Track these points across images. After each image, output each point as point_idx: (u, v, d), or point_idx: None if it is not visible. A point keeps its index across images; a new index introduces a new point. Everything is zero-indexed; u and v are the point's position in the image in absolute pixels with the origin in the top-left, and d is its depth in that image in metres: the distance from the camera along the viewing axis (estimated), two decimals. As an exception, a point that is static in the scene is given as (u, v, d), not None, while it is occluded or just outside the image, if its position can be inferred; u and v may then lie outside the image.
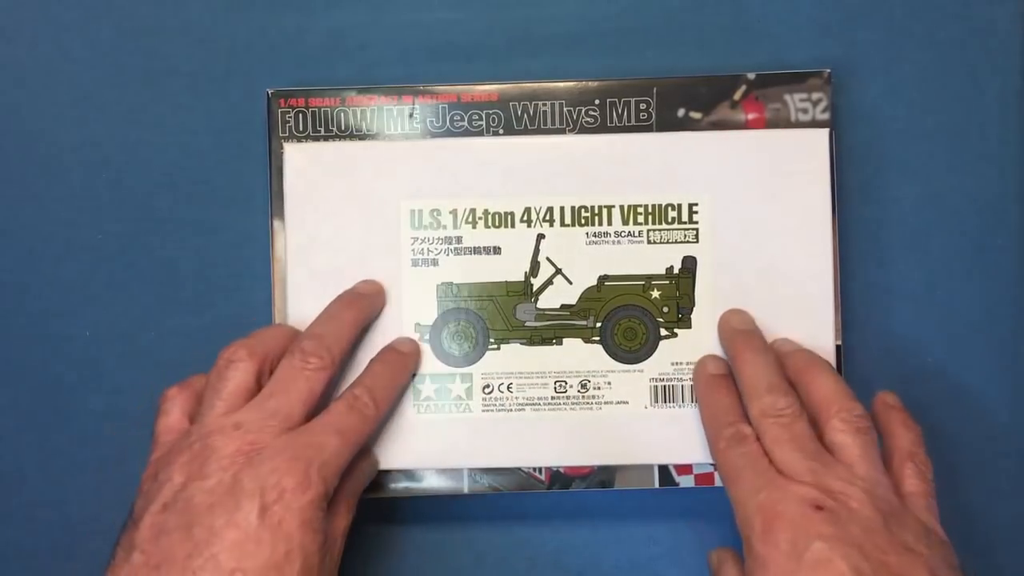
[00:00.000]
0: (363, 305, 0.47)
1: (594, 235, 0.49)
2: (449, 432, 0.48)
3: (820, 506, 0.39)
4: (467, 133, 0.50)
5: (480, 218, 0.49)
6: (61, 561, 0.52)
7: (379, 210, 0.49)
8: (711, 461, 0.48)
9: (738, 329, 0.47)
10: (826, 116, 0.49)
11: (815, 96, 0.49)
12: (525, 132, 0.50)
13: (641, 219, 0.49)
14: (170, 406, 0.44)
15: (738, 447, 0.43)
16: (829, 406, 0.43)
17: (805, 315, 0.48)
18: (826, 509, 0.39)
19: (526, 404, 0.48)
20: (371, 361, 0.47)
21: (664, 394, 0.48)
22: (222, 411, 0.42)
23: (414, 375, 0.48)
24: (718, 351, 0.48)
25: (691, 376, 0.48)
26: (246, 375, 0.43)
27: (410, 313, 0.49)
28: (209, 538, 0.39)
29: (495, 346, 0.49)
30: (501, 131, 0.50)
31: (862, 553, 0.38)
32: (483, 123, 0.50)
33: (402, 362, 0.47)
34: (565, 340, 0.49)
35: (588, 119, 0.50)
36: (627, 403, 0.48)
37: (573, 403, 0.48)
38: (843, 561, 0.37)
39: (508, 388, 0.49)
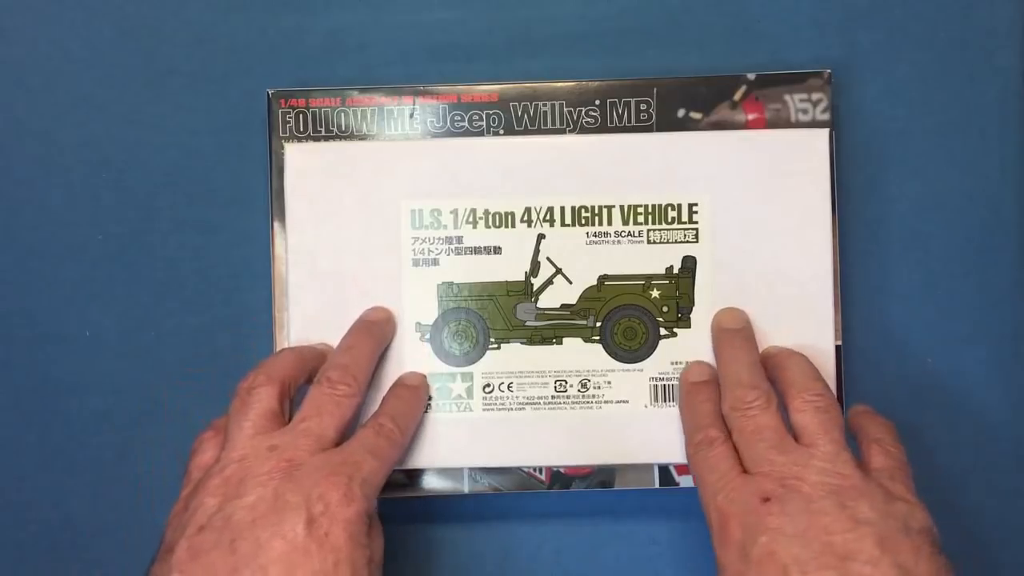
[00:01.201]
0: (378, 333, 0.48)
1: (594, 235, 0.49)
2: (450, 431, 0.48)
3: (767, 497, 0.40)
4: (467, 133, 0.50)
5: (480, 218, 0.49)
6: (61, 561, 0.52)
7: (379, 210, 0.49)
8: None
9: (725, 328, 0.48)
10: (826, 116, 0.49)
11: (815, 96, 0.49)
12: (525, 132, 0.50)
13: (641, 219, 0.49)
14: (206, 447, 0.44)
15: (705, 451, 0.43)
16: (793, 389, 0.43)
17: (805, 315, 0.48)
18: (773, 499, 0.39)
19: (526, 403, 0.48)
20: (386, 396, 0.47)
21: (664, 393, 0.48)
22: (251, 434, 0.42)
23: (427, 408, 0.49)
24: (718, 351, 0.49)
25: (691, 376, 0.48)
26: (270, 399, 0.43)
27: (411, 313, 0.49)
28: (255, 551, 0.38)
29: (495, 345, 0.49)
30: (501, 131, 0.50)
31: (803, 540, 0.38)
32: (483, 123, 0.50)
33: (415, 395, 0.48)
34: (565, 340, 0.49)
35: (588, 119, 0.50)
36: (627, 402, 0.48)
37: (573, 402, 0.48)
38: (784, 552, 0.38)
39: (508, 387, 0.49)
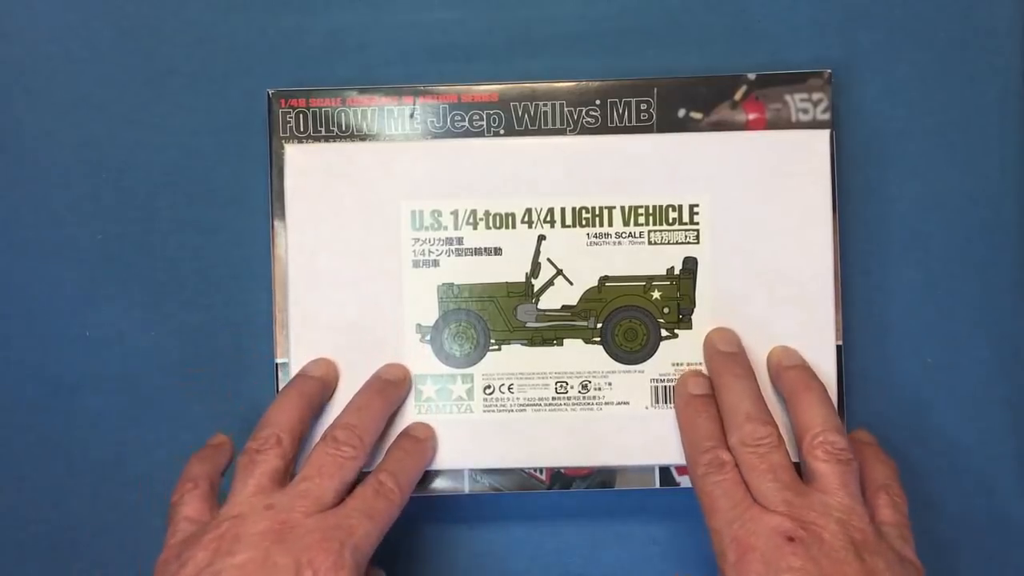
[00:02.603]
0: (391, 394, 0.48)
1: (595, 236, 0.49)
2: (450, 433, 0.48)
3: (792, 537, 0.40)
4: (467, 133, 0.50)
5: (481, 219, 0.49)
6: (61, 561, 0.52)
7: (379, 210, 0.49)
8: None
9: (721, 351, 0.47)
10: (826, 116, 0.49)
11: (815, 96, 0.49)
12: (525, 132, 0.50)
13: (642, 220, 0.49)
14: (188, 499, 0.44)
15: (716, 475, 0.43)
16: (814, 433, 0.43)
17: (805, 315, 0.48)
18: (797, 540, 0.40)
19: (527, 405, 0.48)
20: (390, 448, 0.47)
21: (665, 395, 0.48)
22: (252, 492, 0.42)
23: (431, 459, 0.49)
24: (718, 352, 0.48)
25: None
26: (275, 459, 0.43)
27: (411, 314, 0.49)
28: None
29: (496, 347, 0.49)
30: (501, 131, 0.50)
31: None
32: (483, 123, 0.50)
33: (421, 449, 0.48)
34: (566, 341, 0.49)
35: (588, 119, 0.50)
36: (628, 403, 0.48)
37: (574, 404, 0.48)
38: None
39: (509, 389, 0.49)
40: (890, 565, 0.40)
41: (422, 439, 0.48)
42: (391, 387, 0.48)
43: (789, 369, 0.47)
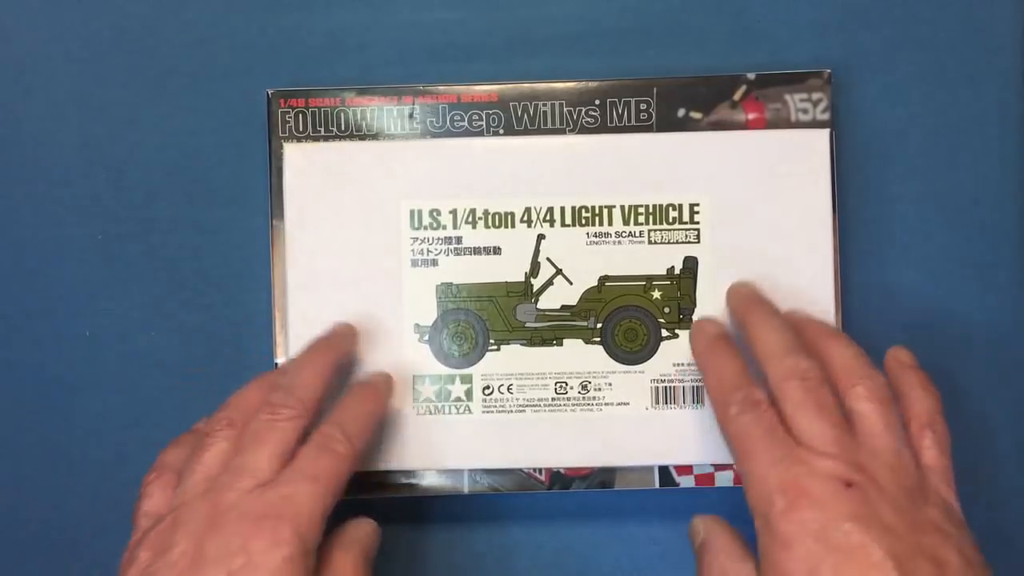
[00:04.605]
0: (335, 344, 0.46)
1: (595, 235, 0.49)
2: (449, 434, 0.48)
3: (850, 483, 0.37)
4: (467, 133, 0.50)
5: (480, 218, 0.49)
6: (61, 561, 0.52)
7: (379, 210, 0.49)
8: (711, 461, 0.48)
9: (749, 292, 0.46)
10: (826, 116, 0.49)
11: (815, 96, 0.49)
12: (525, 132, 0.50)
13: (642, 219, 0.49)
14: (150, 490, 0.41)
15: (751, 412, 0.40)
16: (851, 374, 0.40)
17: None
18: (855, 486, 0.37)
19: (526, 405, 0.48)
20: (342, 397, 0.44)
21: (665, 395, 0.48)
22: (198, 479, 0.40)
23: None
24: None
25: (693, 377, 0.48)
26: (226, 443, 0.41)
27: (410, 314, 0.49)
28: None
29: (495, 347, 0.49)
30: (501, 131, 0.50)
31: (895, 535, 0.35)
32: (483, 123, 0.50)
33: (371, 393, 0.45)
34: (566, 341, 0.49)
35: (588, 119, 0.50)
36: (628, 404, 0.48)
37: (574, 404, 0.48)
38: (878, 546, 0.35)
39: (508, 389, 0.49)
40: (944, 515, 0.37)
41: (373, 382, 0.46)
42: (335, 339, 0.46)
43: (811, 323, 0.44)
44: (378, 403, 0.45)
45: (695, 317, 0.48)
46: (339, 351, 0.46)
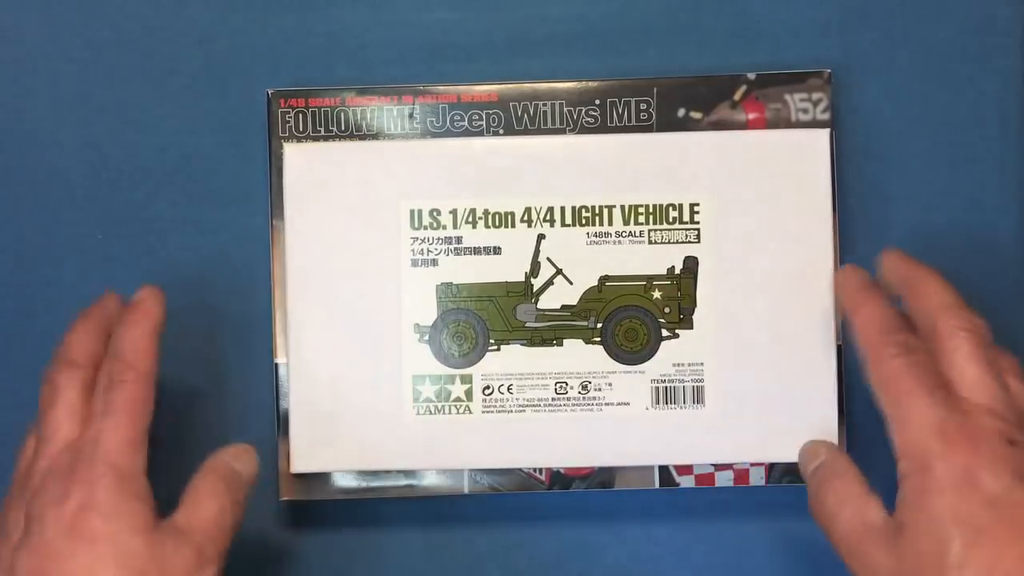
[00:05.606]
0: (152, 307, 0.43)
1: (595, 235, 0.49)
2: (449, 434, 0.48)
3: (1012, 440, 0.36)
4: (467, 133, 0.50)
5: (480, 218, 0.49)
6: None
7: (379, 210, 0.49)
8: (711, 461, 0.48)
9: (909, 259, 0.43)
10: (826, 116, 0.49)
11: (815, 96, 0.49)
12: (525, 132, 0.50)
13: (642, 219, 0.49)
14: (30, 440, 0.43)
15: (909, 356, 0.39)
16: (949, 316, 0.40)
17: (805, 315, 0.48)
18: (1018, 446, 0.36)
19: (526, 405, 0.48)
20: (115, 329, 0.43)
21: (665, 395, 0.48)
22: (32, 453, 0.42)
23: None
24: (719, 352, 0.48)
25: (693, 377, 0.48)
26: (74, 391, 0.41)
27: (410, 313, 0.49)
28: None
29: (495, 347, 0.49)
30: (501, 131, 0.50)
31: None
32: (483, 123, 0.50)
33: (140, 310, 0.43)
34: (566, 341, 0.49)
35: (588, 119, 0.50)
36: (628, 404, 0.48)
37: (574, 404, 0.48)
38: None
39: (508, 389, 0.49)
40: None
41: (136, 299, 0.43)
42: (148, 300, 0.43)
43: (909, 271, 0.43)
44: (148, 316, 0.43)
45: (695, 317, 0.48)
46: (155, 311, 0.44)
